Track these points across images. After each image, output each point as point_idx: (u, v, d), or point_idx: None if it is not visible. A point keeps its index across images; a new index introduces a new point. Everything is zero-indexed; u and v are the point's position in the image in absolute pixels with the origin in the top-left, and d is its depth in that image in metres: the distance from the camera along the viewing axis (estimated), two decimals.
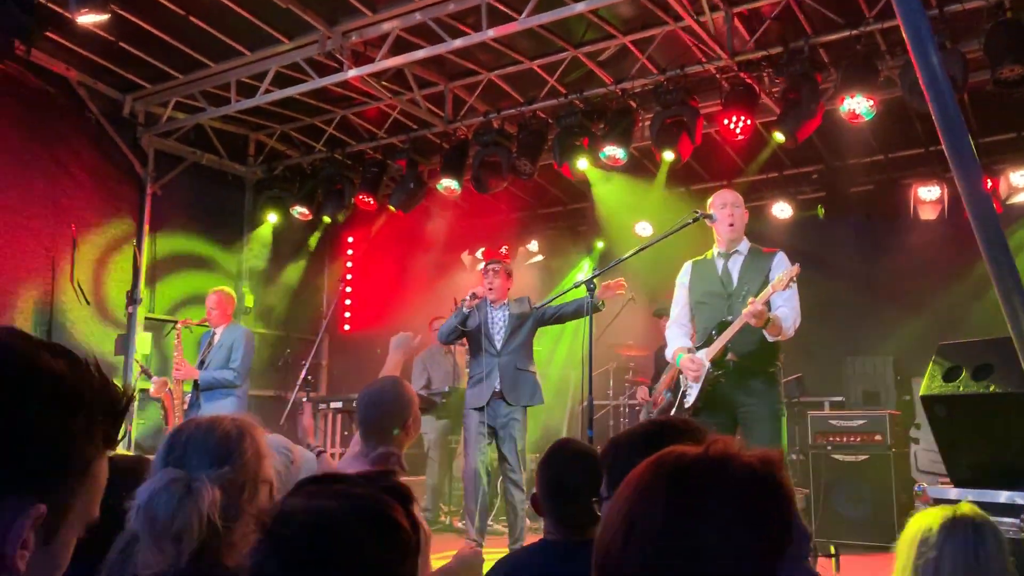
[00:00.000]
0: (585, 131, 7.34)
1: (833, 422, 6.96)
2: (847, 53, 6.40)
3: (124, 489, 1.51)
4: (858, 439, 6.78)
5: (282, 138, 9.32)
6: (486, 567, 2.44)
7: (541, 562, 2.22)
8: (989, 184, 7.20)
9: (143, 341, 8.18)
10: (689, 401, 4.45)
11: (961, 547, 1.84)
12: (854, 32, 6.22)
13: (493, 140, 7.73)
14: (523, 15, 6.17)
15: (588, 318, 4.50)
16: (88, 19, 6.33)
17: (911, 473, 6.95)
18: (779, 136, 6.62)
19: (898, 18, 1.61)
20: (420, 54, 6.81)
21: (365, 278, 10.54)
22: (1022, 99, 5.88)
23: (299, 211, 9.00)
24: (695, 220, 4.50)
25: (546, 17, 6.13)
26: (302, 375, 7.05)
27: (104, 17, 6.30)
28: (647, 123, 7.37)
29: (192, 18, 6.73)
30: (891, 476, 6.53)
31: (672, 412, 4.63)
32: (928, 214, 7.88)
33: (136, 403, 7.40)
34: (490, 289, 6.06)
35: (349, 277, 10.49)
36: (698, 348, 4.50)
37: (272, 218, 9.22)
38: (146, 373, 7.17)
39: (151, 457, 1.76)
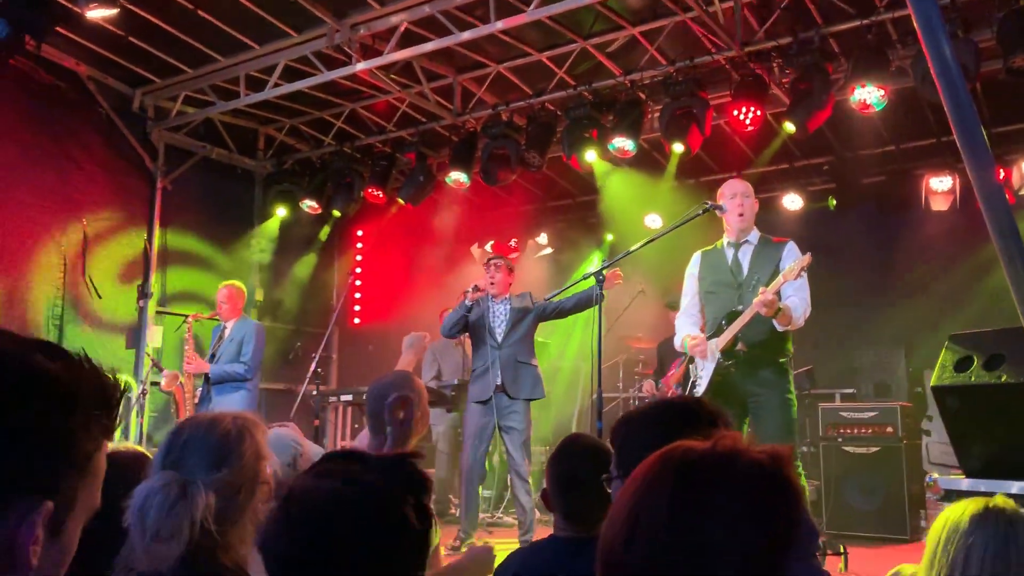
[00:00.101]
0: (594, 123, 7.32)
1: (844, 414, 6.94)
2: (858, 43, 6.35)
3: (122, 485, 1.52)
4: (869, 431, 6.75)
5: (291, 132, 9.34)
6: (497, 562, 2.45)
7: (550, 558, 2.22)
8: (1001, 174, 7.14)
9: (154, 334, 8.23)
10: (699, 391, 4.44)
11: (992, 537, 1.82)
12: (865, 21, 6.18)
13: (502, 132, 7.72)
14: (531, 7, 6.15)
15: (598, 312, 4.50)
16: (97, 14, 6.35)
17: (923, 465, 6.93)
18: (789, 127, 6.58)
19: (909, 7, 1.60)
20: (428, 47, 6.80)
21: (375, 271, 10.56)
22: None
23: (309, 205, 9.03)
24: (705, 211, 4.48)
25: (554, 8, 6.11)
26: (311, 368, 7.07)
27: (113, 12, 6.33)
28: (656, 115, 7.34)
29: (201, 12, 6.74)
30: (902, 468, 6.51)
31: None
32: (940, 205, 7.83)
33: (148, 396, 7.44)
34: (492, 283, 6.13)
35: (359, 271, 10.51)
36: (708, 338, 4.49)
37: (281, 212, 9.24)
38: (157, 366, 7.21)
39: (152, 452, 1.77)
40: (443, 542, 5.16)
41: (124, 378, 0.89)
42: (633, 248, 4.52)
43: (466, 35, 6.58)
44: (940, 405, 3.46)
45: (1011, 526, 1.84)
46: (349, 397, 7.55)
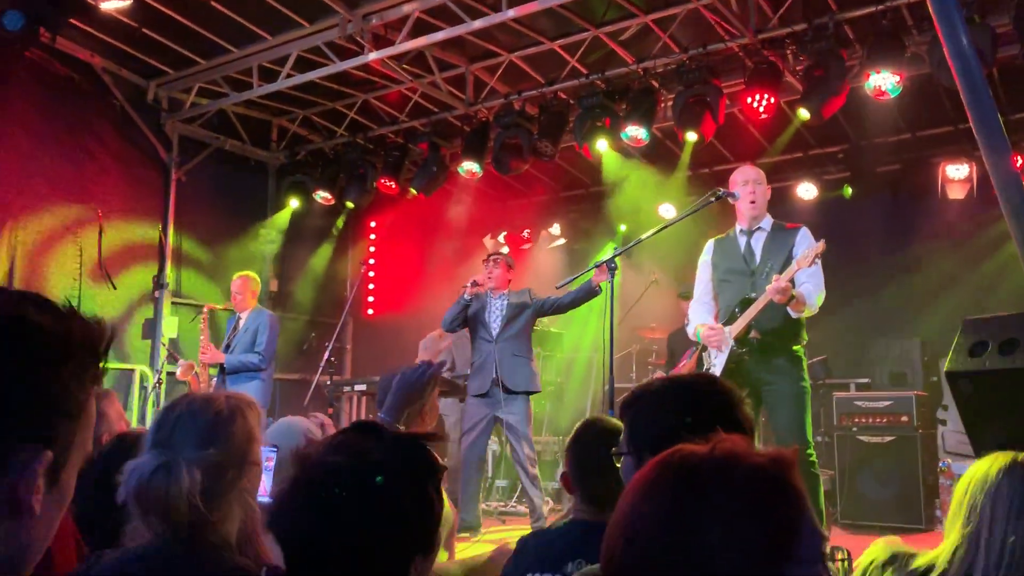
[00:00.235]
0: (607, 112, 7.29)
1: (859, 403, 6.90)
2: (873, 29, 6.29)
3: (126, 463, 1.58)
4: (884, 420, 6.71)
5: (304, 123, 9.35)
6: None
7: (571, 540, 2.22)
8: (1019, 162, 7.07)
9: (169, 325, 8.28)
10: None
11: (1019, 489, 1.82)
12: (880, 7, 6.11)
13: (514, 122, 7.70)
14: None
15: (609, 301, 4.48)
16: (111, 5, 6.38)
17: (938, 455, 6.89)
18: (804, 113, 6.53)
19: None
20: (440, 35, 6.79)
21: (387, 262, 10.58)
22: None
23: (322, 196, 9.05)
24: (717, 198, 4.45)
25: None
26: (324, 358, 7.10)
27: (127, 3, 6.36)
28: (669, 103, 7.30)
29: (213, 3, 6.76)
30: (917, 458, 6.47)
31: None
32: (956, 193, 7.76)
33: (163, 386, 7.51)
34: (489, 278, 6.24)
35: (372, 261, 10.53)
36: (722, 326, 4.47)
37: (294, 203, 9.27)
38: (173, 357, 7.27)
39: None
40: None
41: (110, 324, 0.91)
42: (645, 236, 4.49)
43: (478, 23, 6.56)
44: (954, 390, 3.43)
45: None
46: (363, 387, 7.57)
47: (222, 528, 1.61)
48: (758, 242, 4.51)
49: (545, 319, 8.11)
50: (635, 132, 7.16)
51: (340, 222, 10.23)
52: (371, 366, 9.55)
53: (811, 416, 4.41)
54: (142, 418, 7.55)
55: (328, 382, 7.28)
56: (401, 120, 8.79)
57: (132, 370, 8.00)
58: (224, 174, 9.13)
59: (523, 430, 6.01)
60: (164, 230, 8.42)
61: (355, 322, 10.55)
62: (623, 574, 0.96)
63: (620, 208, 9.55)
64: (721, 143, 8.41)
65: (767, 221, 4.56)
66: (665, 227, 4.59)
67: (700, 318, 4.59)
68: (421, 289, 9.56)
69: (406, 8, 6.69)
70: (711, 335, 4.40)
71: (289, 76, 7.53)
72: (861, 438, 6.75)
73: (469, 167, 8.10)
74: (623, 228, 9.81)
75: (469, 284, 6.17)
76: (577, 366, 9.39)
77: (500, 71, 7.79)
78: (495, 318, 6.23)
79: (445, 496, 1.45)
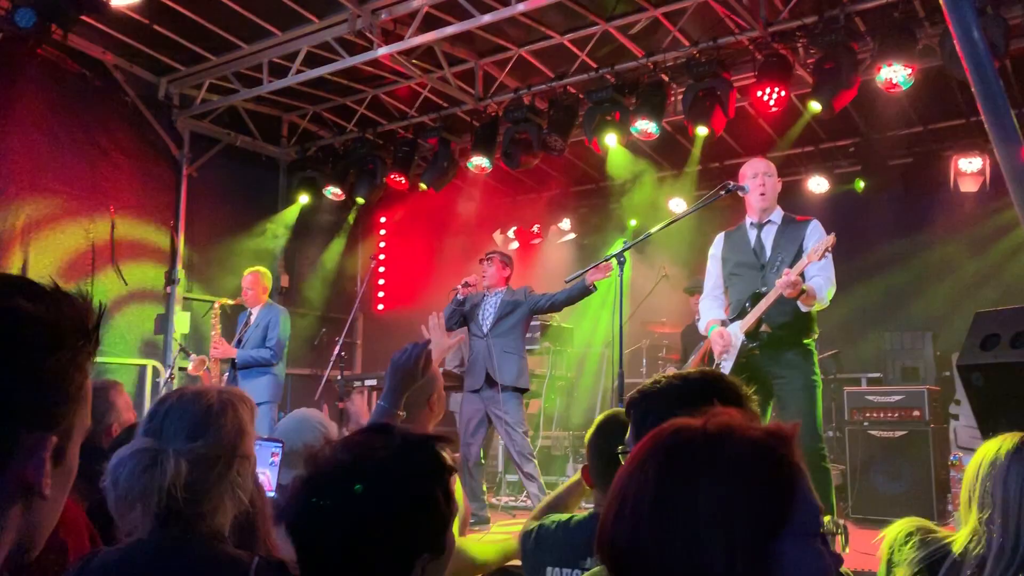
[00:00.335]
0: (616, 106, 7.27)
1: (870, 398, 6.87)
2: (884, 21, 6.25)
3: None
4: (896, 415, 6.68)
5: (314, 119, 9.37)
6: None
7: (591, 535, 2.22)
8: None
9: (181, 320, 8.32)
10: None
11: None
12: None
13: (524, 117, 7.69)
14: None
15: (619, 296, 4.48)
16: (122, 2, 6.41)
17: (950, 449, 6.85)
18: (815, 106, 6.49)
19: None
20: (450, 30, 6.78)
21: (397, 257, 10.60)
22: None
23: (332, 191, 9.08)
24: (727, 192, 4.44)
25: None
26: (335, 353, 7.12)
27: (138, 0, 6.38)
28: (679, 97, 7.28)
29: None
30: (929, 452, 6.44)
31: None
32: (969, 186, 7.71)
33: (176, 381, 7.55)
34: (484, 277, 6.34)
35: (382, 257, 10.56)
36: (731, 320, 4.45)
37: (303, 199, 9.30)
38: (185, 352, 7.30)
39: None
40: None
41: (98, 301, 0.92)
42: (654, 229, 4.49)
43: (487, 18, 6.56)
44: (965, 383, 3.42)
45: None
46: (373, 382, 7.59)
47: (212, 520, 1.62)
48: (768, 235, 4.49)
49: (557, 315, 8.12)
50: (645, 126, 7.15)
51: (351, 218, 10.25)
52: (381, 361, 9.53)
53: (822, 410, 4.39)
54: None
55: (339, 377, 7.30)
56: (410, 115, 8.80)
57: (144, 365, 8.05)
58: (235, 170, 9.16)
59: (512, 425, 6.03)
60: (176, 226, 8.45)
61: (365, 317, 10.57)
62: (614, 548, 0.96)
63: (630, 202, 9.55)
64: (731, 137, 8.38)
65: (777, 214, 4.54)
66: (674, 221, 4.59)
67: (711, 313, 4.58)
68: (431, 284, 9.57)
69: (415, 3, 6.69)
70: (718, 342, 4.38)
71: (299, 72, 7.55)
72: (872, 433, 6.72)
73: (479, 162, 8.10)
74: (633, 223, 9.80)
75: (460, 285, 6.29)
76: (589, 361, 9.39)
77: (509, 66, 7.78)
78: (487, 315, 6.29)
79: (460, 490, 1.45)
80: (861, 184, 8.31)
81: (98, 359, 0.93)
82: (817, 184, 8.46)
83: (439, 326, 3.92)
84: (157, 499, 1.52)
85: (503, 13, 6.48)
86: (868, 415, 6.78)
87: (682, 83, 7.24)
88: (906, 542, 1.99)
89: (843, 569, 1.54)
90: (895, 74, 6.04)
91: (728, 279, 4.59)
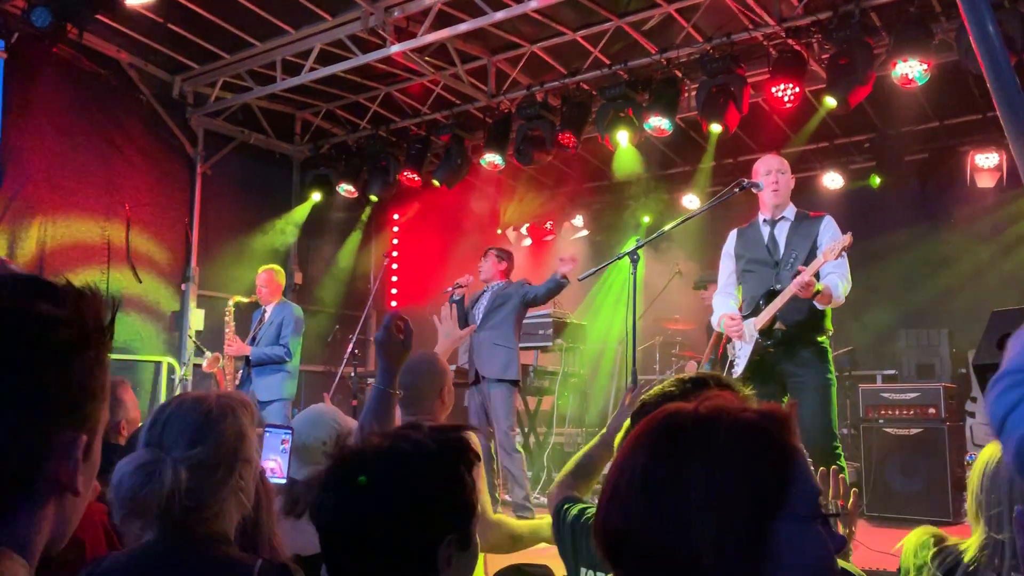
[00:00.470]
0: (629, 102, 7.25)
1: (885, 395, 6.83)
2: (900, 16, 6.20)
3: None
4: (911, 412, 6.64)
5: (327, 116, 9.40)
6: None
7: None
8: None
9: (196, 318, 8.37)
10: (737, 371, 4.40)
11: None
12: None
13: (536, 113, 7.69)
14: None
15: (632, 293, 4.46)
16: (137, 1, 6.45)
17: (966, 447, 6.81)
18: (830, 101, 6.45)
19: None
20: (462, 27, 6.78)
21: (411, 254, 10.62)
22: None
23: (345, 189, 9.11)
24: (741, 189, 4.42)
25: None
26: (349, 349, 7.14)
27: None
28: (693, 93, 7.25)
29: None
30: (945, 450, 6.39)
31: None
32: (986, 182, 7.65)
33: (191, 379, 7.59)
34: (480, 272, 6.45)
35: (395, 254, 10.58)
36: (745, 317, 4.43)
37: (316, 197, 9.33)
38: (200, 349, 7.35)
39: None
40: None
41: (111, 296, 0.94)
42: (667, 227, 4.48)
43: (500, 15, 6.55)
44: (981, 382, 3.40)
45: None
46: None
47: (216, 525, 1.63)
48: (781, 232, 4.47)
49: (570, 312, 8.12)
50: (658, 123, 7.13)
51: (366, 214, 10.28)
52: None
53: (837, 408, 4.37)
54: None
55: (352, 374, 7.33)
56: (423, 112, 8.81)
57: (159, 362, 8.10)
58: (249, 168, 9.20)
59: (499, 418, 6.04)
60: (190, 223, 8.50)
61: (378, 314, 10.59)
62: (606, 532, 0.96)
63: (643, 199, 9.53)
64: (745, 133, 8.35)
65: (790, 210, 4.51)
66: (688, 219, 4.57)
67: (723, 308, 4.56)
68: (444, 281, 9.57)
69: (428, 0, 6.69)
70: (732, 325, 4.38)
71: (312, 69, 7.57)
72: (888, 430, 6.68)
73: (491, 159, 8.10)
74: (647, 220, 9.77)
75: (452, 287, 6.38)
76: (605, 359, 9.37)
77: (522, 62, 7.78)
78: (481, 308, 6.38)
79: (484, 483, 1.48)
80: (877, 180, 8.26)
81: (113, 356, 0.95)
82: (832, 180, 8.41)
83: (451, 316, 3.94)
84: (159, 509, 1.54)
85: (516, 10, 6.47)
86: (883, 412, 6.74)
87: (695, 79, 7.21)
88: (922, 550, 1.99)
89: (857, 569, 1.53)
90: (911, 69, 5.99)
91: (742, 276, 4.57)
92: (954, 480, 6.31)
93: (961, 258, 7.87)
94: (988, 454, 1.92)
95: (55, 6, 6.15)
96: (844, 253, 4.14)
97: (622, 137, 7.30)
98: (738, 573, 0.88)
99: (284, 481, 2.72)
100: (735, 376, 4.38)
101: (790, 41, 6.61)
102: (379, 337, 2.27)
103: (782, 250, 4.41)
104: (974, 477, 1.92)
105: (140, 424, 3.08)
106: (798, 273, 4.15)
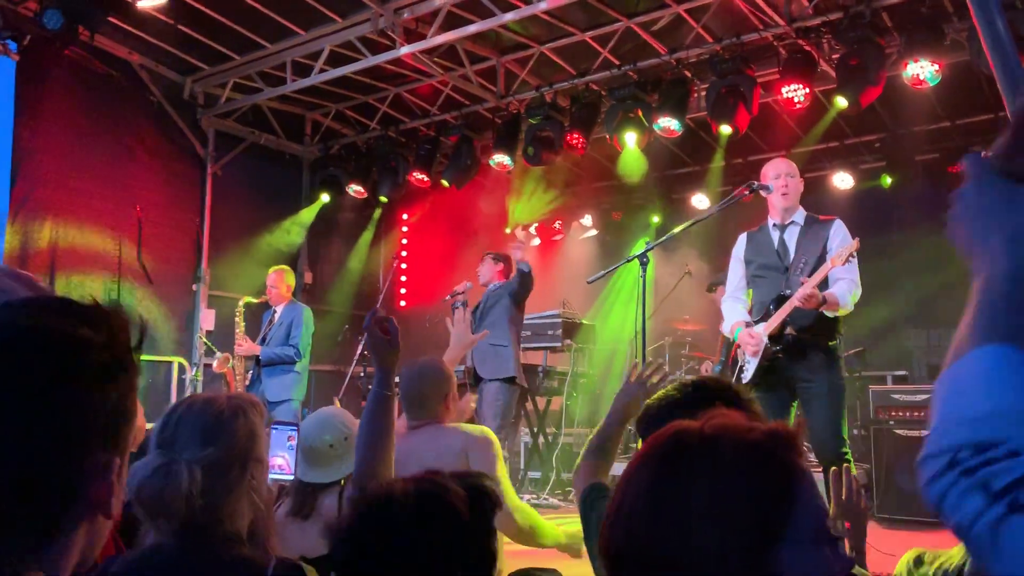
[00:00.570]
0: (639, 103, 7.24)
1: (895, 396, 6.80)
2: (911, 16, 6.17)
3: None
4: (922, 414, 6.61)
5: (337, 117, 9.42)
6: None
7: None
8: None
9: (207, 318, 8.41)
10: (746, 377, 4.37)
11: None
12: None
13: (546, 114, 7.69)
14: None
15: (642, 295, 4.46)
16: (148, 3, 6.48)
17: None
18: (841, 102, 6.42)
19: None
20: (472, 29, 6.79)
21: (420, 254, 10.63)
22: None
23: (355, 189, 9.14)
24: (751, 192, 4.40)
25: None
26: (358, 349, 7.16)
27: (163, 1, 6.45)
28: (703, 93, 7.24)
29: None
30: None
31: None
32: None
33: (201, 379, 7.62)
34: (478, 276, 6.53)
35: (404, 254, 10.59)
36: (755, 322, 4.42)
37: (325, 198, 9.36)
38: (212, 349, 7.37)
39: None
40: None
41: (140, 318, 0.96)
42: (676, 230, 4.47)
43: (509, 16, 6.55)
44: None
45: None
46: (395, 379, 7.62)
47: (230, 525, 1.64)
48: (791, 237, 4.44)
49: (579, 313, 8.12)
50: (667, 123, 7.11)
51: (377, 214, 10.30)
52: (403, 357, 9.52)
53: (846, 411, 4.34)
54: None
55: (362, 374, 7.34)
56: (433, 113, 8.82)
57: (170, 362, 8.14)
58: (259, 168, 9.23)
59: (485, 417, 6.05)
60: (201, 224, 8.54)
61: (387, 314, 10.59)
62: (609, 549, 0.96)
63: (653, 199, 9.51)
64: (755, 133, 8.32)
65: (800, 214, 4.49)
66: (696, 222, 4.56)
67: (734, 314, 4.54)
68: (453, 281, 9.58)
69: (437, 2, 6.70)
70: (750, 343, 4.34)
71: (322, 71, 7.59)
72: (898, 431, 6.65)
73: (500, 159, 8.10)
74: (656, 220, 9.76)
75: (449, 296, 6.47)
76: (617, 359, 9.36)
77: (531, 63, 7.77)
78: (479, 310, 6.44)
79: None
80: (888, 180, 8.22)
81: None
82: (842, 180, 8.38)
83: (464, 319, 3.93)
84: (175, 509, 1.54)
85: (525, 11, 6.47)
86: (894, 414, 6.72)
87: (705, 79, 7.20)
88: (916, 566, 1.98)
89: (867, 573, 1.53)
90: (922, 70, 5.96)
91: (752, 281, 4.55)
92: None
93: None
94: None
95: (67, 8, 6.19)
96: (853, 258, 4.12)
97: (630, 138, 7.29)
98: None
99: (291, 477, 2.73)
100: (745, 381, 4.37)
101: (800, 42, 6.59)
102: (368, 341, 2.26)
103: (792, 255, 4.38)
104: None
105: (146, 430, 3.09)
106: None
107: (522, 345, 7.30)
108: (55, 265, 7.15)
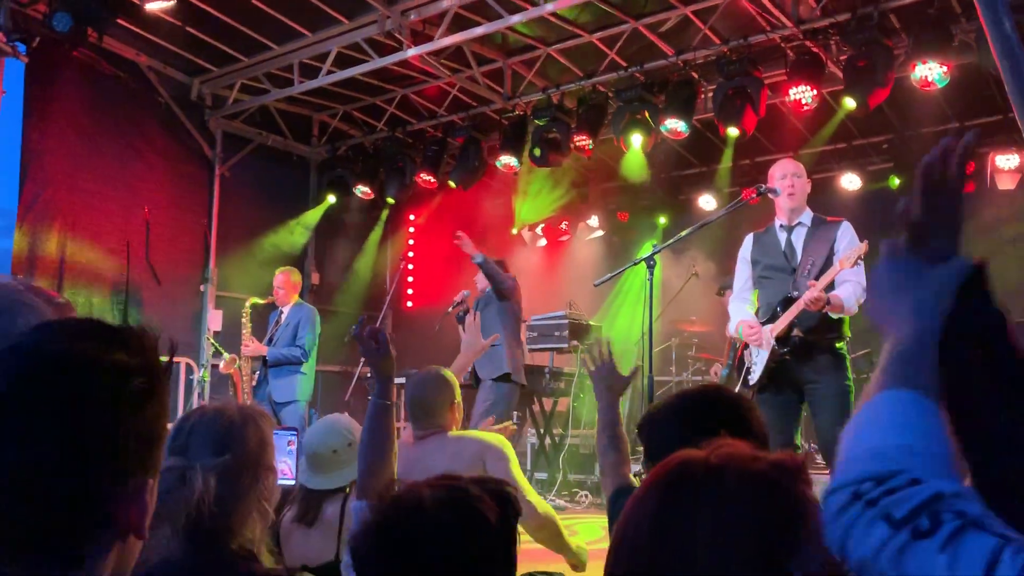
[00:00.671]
0: (646, 104, 7.23)
1: None
2: (919, 17, 6.15)
3: None
4: None
5: (344, 118, 9.44)
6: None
7: None
8: None
9: (214, 318, 8.43)
10: (754, 378, 4.37)
11: None
12: None
13: (552, 116, 7.69)
14: None
15: (649, 297, 4.45)
16: (156, 5, 6.50)
17: None
18: (849, 103, 6.40)
19: None
20: (479, 31, 6.79)
21: (426, 255, 10.64)
22: None
23: (362, 190, 9.15)
24: (758, 195, 4.39)
25: None
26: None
27: (171, 3, 6.47)
28: (710, 95, 7.22)
29: (255, 1, 6.84)
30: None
31: (736, 390, 4.55)
32: (1006, 184, 7.58)
33: (208, 380, 7.64)
34: (476, 283, 6.51)
35: (411, 255, 10.61)
36: (762, 324, 4.40)
37: (332, 199, 9.38)
38: (220, 350, 7.38)
39: None
40: None
41: (168, 338, 0.98)
42: (683, 233, 4.46)
43: (516, 18, 6.56)
44: None
45: None
46: (402, 380, 7.63)
47: (240, 535, 1.64)
48: (798, 238, 4.42)
49: (584, 313, 8.11)
50: (674, 124, 7.10)
51: (384, 215, 10.31)
52: (410, 358, 9.53)
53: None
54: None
55: (369, 375, 7.34)
56: (440, 114, 8.83)
57: (178, 363, 8.16)
58: (267, 169, 9.26)
59: (475, 413, 6.02)
60: (208, 225, 8.56)
61: (394, 315, 10.62)
62: (616, 575, 0.95)
63: (659, 200, 9.49)
64: (763, 134, 8.30)
65: (807, 215, 4.47)
66: (703, 224, 4.55)
67: (740, 315, 4.53)
68: (460, 282, 9.59)
69: (444, 3, 6.71)
70: (751, 333, 4.34)
71: (330, 72, 7.61)
72: None
73: (507, 161, 8.11)
74: (663, 220, 9.74)
75: (451, 309, 6.53)
76: (625, 361, 9.34)
77: (538, 65, 7.78)
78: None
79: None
80: (896, 181, 8.19)
81: None
82: (849, 181, 8.36)
83: (475, 325, 3.93)
84: (186, 516, 1.55)
85: (532, 13, 6.48)
86: None
87: (712, 81, 7.19)
88: None
89: None
90: (930, 72, 5.94)
91: (758, 282, 4.53)
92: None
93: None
94: None
95: (76, 11, 6.22)
96: (860, 261, 4.11)
97: (636, 140, 7.27)
98: None
99: (293, 482, 2.74)
100: (752, 383, 4.36)
101: (808, 43, 6.58)
102: (363, 352, 2.32)
103: (799, 257, 4.36)
104: None
105: None
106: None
107: (528, 346, 7.30)
108: (64, 266, 7.18)
